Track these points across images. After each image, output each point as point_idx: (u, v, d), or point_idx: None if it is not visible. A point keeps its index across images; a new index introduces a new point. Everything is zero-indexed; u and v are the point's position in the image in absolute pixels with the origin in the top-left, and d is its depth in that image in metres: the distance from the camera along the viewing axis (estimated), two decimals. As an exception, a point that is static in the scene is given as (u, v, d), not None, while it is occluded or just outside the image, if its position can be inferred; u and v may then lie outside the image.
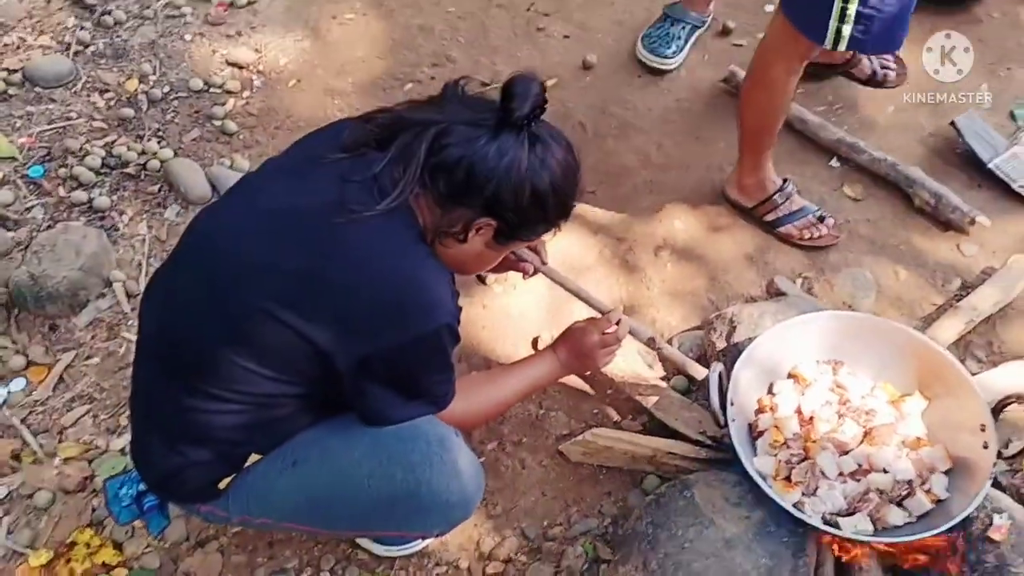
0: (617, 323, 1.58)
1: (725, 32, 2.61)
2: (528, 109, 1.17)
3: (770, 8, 2.67)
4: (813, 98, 2.43)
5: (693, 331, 1.99)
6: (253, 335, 1.21)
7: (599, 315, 1.64)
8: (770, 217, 2.14)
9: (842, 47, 1.75)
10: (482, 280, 1.78)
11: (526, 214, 1.24)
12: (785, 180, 2.14)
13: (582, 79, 2.54)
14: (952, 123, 2.27)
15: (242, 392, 1.25)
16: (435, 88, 2.51)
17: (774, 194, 2.12)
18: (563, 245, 2.12)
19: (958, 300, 1.98)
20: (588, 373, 1.73)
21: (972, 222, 2.11)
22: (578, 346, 1.56)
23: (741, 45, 2.59)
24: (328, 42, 2.63)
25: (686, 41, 2.53)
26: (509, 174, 1.18)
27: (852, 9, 1.70)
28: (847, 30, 1.72)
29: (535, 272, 1.66)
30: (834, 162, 2.31)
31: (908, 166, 2.22)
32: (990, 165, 2.20)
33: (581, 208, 2.22)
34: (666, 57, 2.49)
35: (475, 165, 1.18)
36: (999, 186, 2.22)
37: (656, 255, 2.15)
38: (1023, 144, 2.24)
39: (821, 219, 2.12)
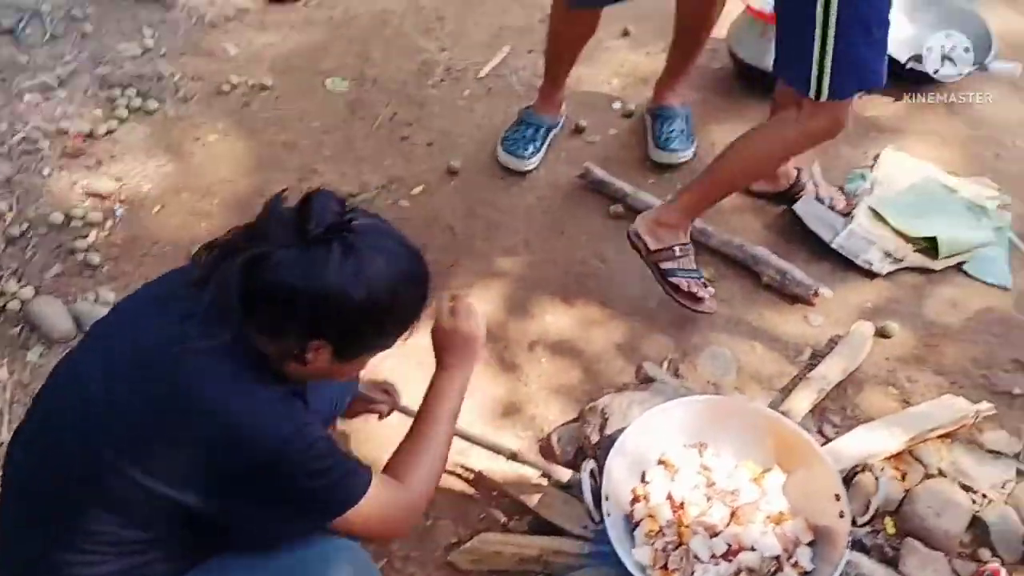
0: (453, 299, 1.53)
1: (578, 131, 2.76)
2: (323, 227, 1.15)
3: (617, 105, 2.85)
4: (663, 188, 2.58)
5: (571, 424, 2.06)
6: (112, 486, 1.20)
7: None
8: (666, 265, 2.19)
9: (824, 97, 1.91)
10: (333, 426, 1.79)
11: (355, 331, 1.22)
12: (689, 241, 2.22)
13: (448, 184, 2.63)
14: (791, 209, 2.46)
15: (109, 543, 1.23)
16: (303, 203, 2.56)
17: (676, 245, 2.18)
18: (439, 351, 2.17)
19: (810, 370, 2.12)
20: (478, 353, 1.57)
21: (816, 294, 2.28)
22: (448, 342, 1.50)
23: (594, 142, 2.74)
24: (192, 165, 2.64)
25: (543, 142, 2.66)
26: (321, 294, 1.16)
27: (829, 56, 1.86)
28: (827, 78, 1.89)
29: (390, 411, 1.70)
30: (689, 247, 2.45)
31: (754, 246, 2.38)
32: (833, 245, 2.37)
33: (455, 311, 2.28)
34: (525, 158, 2.62)
35: (286, 289, 1.16)
36: (838, 257, 2.39)
37: (531, 351, 2.22)
38: (858, 220, 2.44)
39: (706, 285, 2.22)
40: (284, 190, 1.24)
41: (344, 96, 2.86)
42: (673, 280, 2.19)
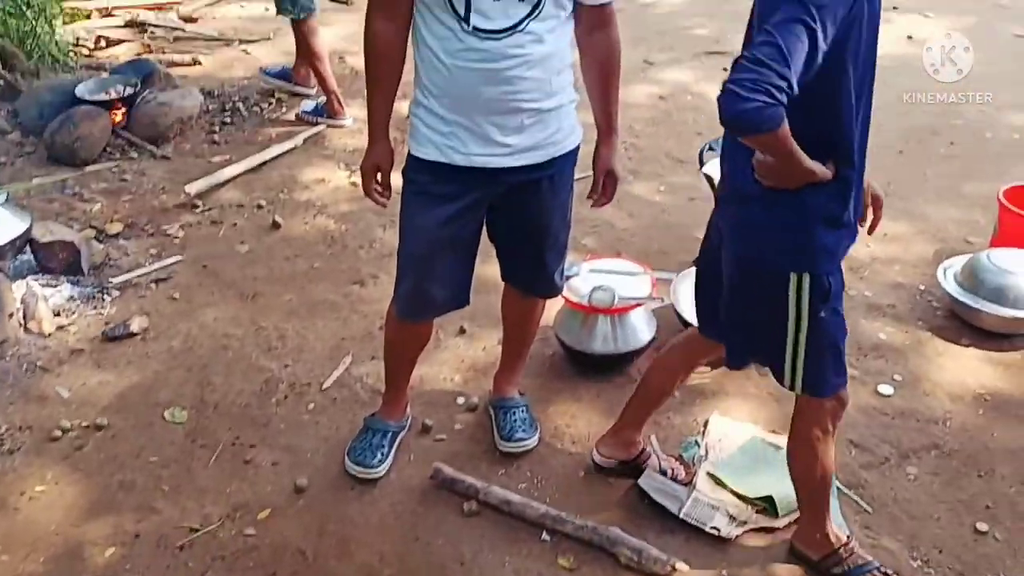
0: None
1: (425, 430, 2.81)
2: None
3: (461, 400, 2.94)
4: (514, 478, 2.62)
5: None
6: None
7: None
8: (837, 571, 2.24)
9: (798, 390, 2.07)
10: None
11: None
12: (849, 536, 2.30)
13: (296, 503, 2.57)
14: (636, 485, 2.53)
15: None
16: (140, 548, 2.42)
17: (839, 547, 2.24)
18: None
19: (680, 653, 2.08)
20: None
21: (674, 568, 2.29)
22: None
23: (442, 439, 2.78)
24: (16, 522, 2.47)
25: (390, 447, 2.68)
26: None
27: (801, 355, 2.00)
28: (800, 376, 2.04)
29: None
30: (545, 536, 2.44)
31: (608, 528, 2.40)
32: (681, 516, 2.43)
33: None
34: (373, 467, 2.61)
35: None
36: (689, 527, 2.44)
37: None
38: (700, 487, 2.52)
39: (886, 574, 2.23)
40: None
41: (183, 426, 2.82)
42: None
